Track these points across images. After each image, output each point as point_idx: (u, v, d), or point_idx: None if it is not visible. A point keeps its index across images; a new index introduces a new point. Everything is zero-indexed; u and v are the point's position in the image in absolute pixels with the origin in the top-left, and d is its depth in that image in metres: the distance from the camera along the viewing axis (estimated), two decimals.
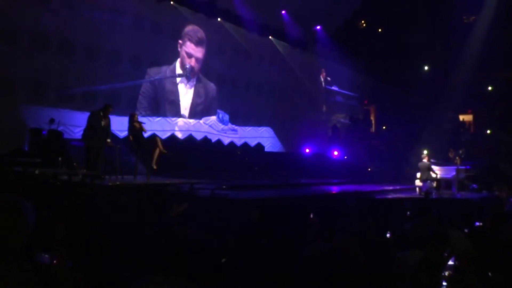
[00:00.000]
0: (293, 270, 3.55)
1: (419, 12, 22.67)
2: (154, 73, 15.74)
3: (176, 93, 16.62)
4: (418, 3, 23.26)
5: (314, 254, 3.30)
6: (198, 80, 17.32)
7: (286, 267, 3.97)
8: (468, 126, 24.78)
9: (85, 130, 10.29)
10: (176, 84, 16.61)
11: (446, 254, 3.66)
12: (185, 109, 16.90)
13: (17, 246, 2.07)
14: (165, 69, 16.20)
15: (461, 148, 16.47)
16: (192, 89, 17.16)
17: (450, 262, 3.71)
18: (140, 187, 9.78)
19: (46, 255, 2.42)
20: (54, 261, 2.42)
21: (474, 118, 24.82)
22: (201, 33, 17.24)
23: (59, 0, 12.92)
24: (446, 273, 3.58)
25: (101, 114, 10.19)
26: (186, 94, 16.92)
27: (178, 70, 16.59)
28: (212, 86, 17.85)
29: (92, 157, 9.99)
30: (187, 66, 16.74)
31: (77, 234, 3.98)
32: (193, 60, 16.95)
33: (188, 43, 16.83)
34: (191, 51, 16.91)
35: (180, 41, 16.61)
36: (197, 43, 17.10)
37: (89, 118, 10.24)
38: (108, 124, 10.43)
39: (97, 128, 10.07)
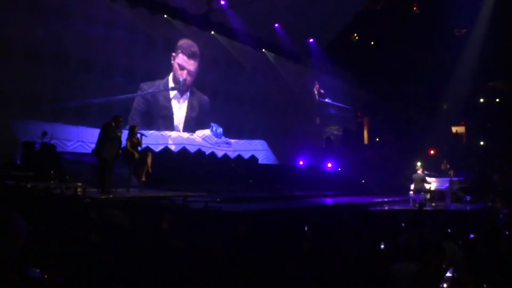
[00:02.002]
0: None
1: (410, 25, 22.86)
2: (147, 87, 15.69)
3: (169, 107, 16.60)
4: (409, 17, 23.47)
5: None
6: (191, 93, 17.30)
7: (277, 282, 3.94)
8: (460, 138, 24.91)
9: (100, 142, 9.79)
10: (169, 98, 16.60)
11: (444, 266, 3.64)
12: (179, 122, 16.88)
13: (8, 260, 2.04)
14: (159, 83, 16.17)
15: (445, 159, 16.52)
16: (186, 102, 17.15)
17: (448, 274, 3.68)
18: (133, 200, 9.67)
19: (38, 270, 2.37)
20: (45, 276, 2.38)
21: (466, 129, 24.94)
22: (194, 47, 17.28)
23: (52, 14, 12.91)
24: (445, 285, 3.55)
25: (113, 124, 9.89)
26: (179, 108, 16.92)
27: (171, 84, 16.59)
28: (205, 99, 17.83)
29: (106, 169, 9.70)
30: (180, 79, 16.73)
31: (69, 249, 3.93)
32: (185, 72, 16.94)
33: (181, 56, 16.85)
34: (184, 63, 16.91)
35: (173, 54, 16.64)
36: (190, 56, 17.12)
37: (104, 130, 9.77)
38: (121, 136, 10.10)
39: (114, 140, 9.78)
